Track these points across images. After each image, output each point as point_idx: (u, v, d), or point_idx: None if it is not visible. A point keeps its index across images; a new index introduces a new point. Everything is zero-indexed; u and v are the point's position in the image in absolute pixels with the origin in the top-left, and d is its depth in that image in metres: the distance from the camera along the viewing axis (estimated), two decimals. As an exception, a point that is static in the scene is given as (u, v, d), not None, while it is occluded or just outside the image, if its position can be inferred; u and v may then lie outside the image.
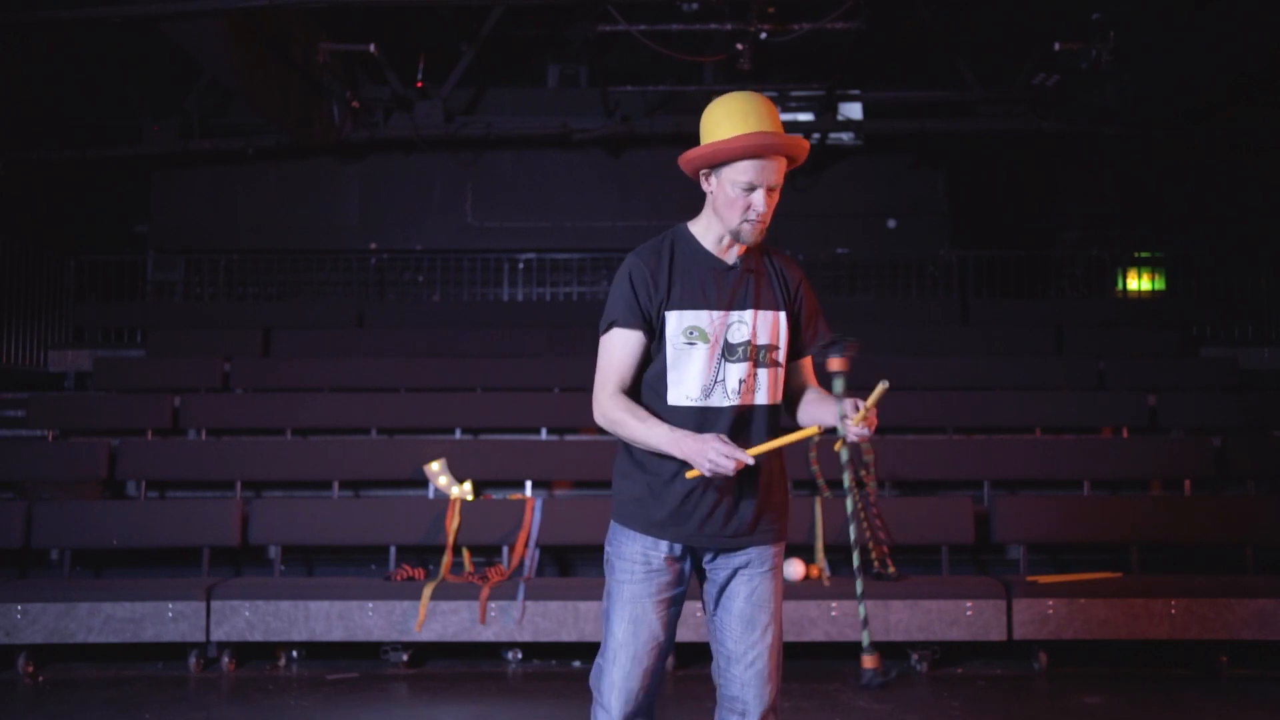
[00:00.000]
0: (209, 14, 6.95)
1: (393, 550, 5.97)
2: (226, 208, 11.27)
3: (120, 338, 9.74)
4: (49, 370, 9.09)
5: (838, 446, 2.84)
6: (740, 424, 2.62)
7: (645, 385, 2.67)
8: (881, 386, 2.48)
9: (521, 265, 10.87)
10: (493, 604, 5.37)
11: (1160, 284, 11.04)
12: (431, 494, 6.33)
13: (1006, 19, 9.11)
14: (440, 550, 5.80)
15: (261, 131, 10.14)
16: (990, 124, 9.80)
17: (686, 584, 2.70)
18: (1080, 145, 10.61)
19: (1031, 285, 10.40)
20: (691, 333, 2.60)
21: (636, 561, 2.64)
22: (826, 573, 5.63)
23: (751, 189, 2.56)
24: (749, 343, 2.63)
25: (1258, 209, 10.31)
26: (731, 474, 2.47)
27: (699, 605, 5.21)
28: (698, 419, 2.59)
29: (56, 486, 6.65)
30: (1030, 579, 5.55)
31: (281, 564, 6.03)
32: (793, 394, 2.78)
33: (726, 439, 2.48)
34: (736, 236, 2.62)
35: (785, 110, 10.59)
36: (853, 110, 10.57)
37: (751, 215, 2.58)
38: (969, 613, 5.35)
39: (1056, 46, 8.64)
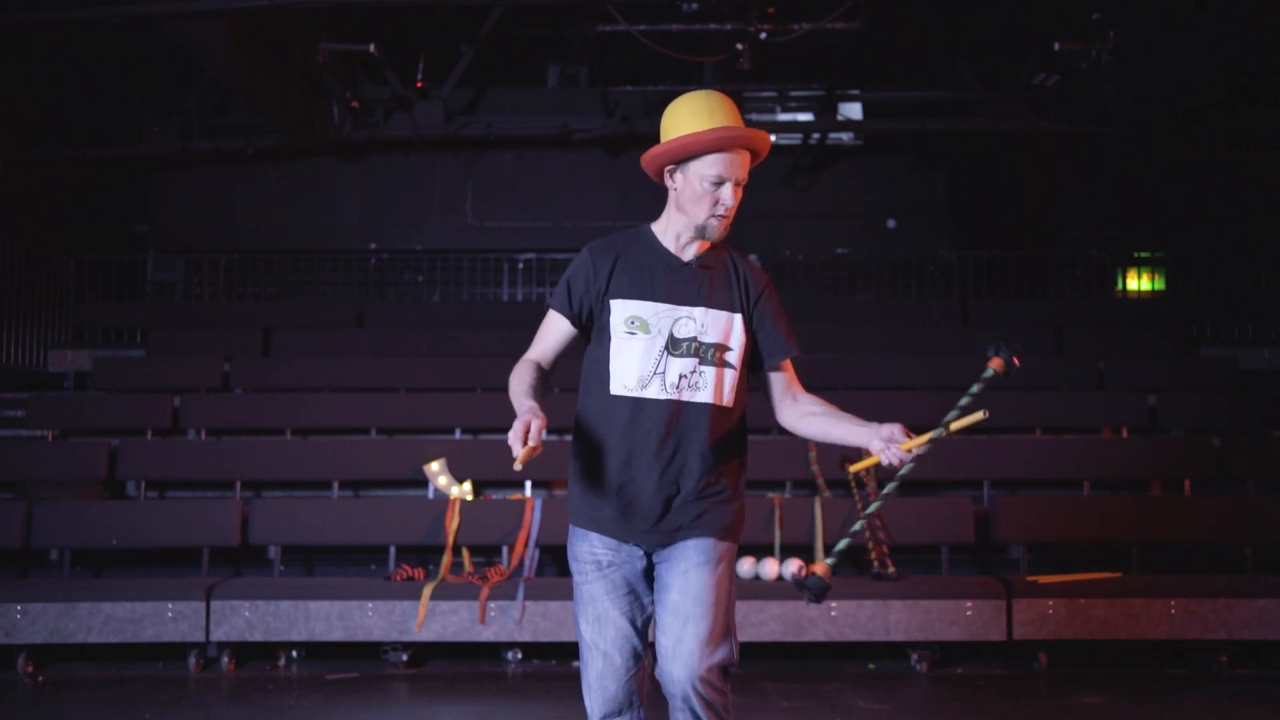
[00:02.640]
0: (209, 14, 6.95)
1: (393, 550, 5.97)
2: (226, 208, 11.27)
3: (120, 338, 9.73)
4: (49, 370, 9.08)
5: (854, 467, 2.84)
6: (676, 419, 2.59)
7: (591, 371, 2.68)
8: (979, 417, 2.65)
9: (521, 265, 10.87)
10: (492, 604, 5.37)
11: (1160, 284, 11.03)
12: (431, 494, 6.33)
13: (1006, 19, 9.11)
14: (440, 550, 5.80)
15: (261, 131, 10.14)
16: (990, 124, 9.80)
17: (648, 573, 2.67)
18: (1080, 145, 10.60)
19: (1031, 285, 10.40)
20: (633, 322, 2.61)
21: (588, 561, 2.64)
22: (829, 563, 5.61)
23: (720, 183, 2.58)
24: (695, 339, 2.62)
25: (1258, 209, 10.30)
26: (516, 453, 2.40)
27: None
28: (632, 409, 2.59)
29: (56, 486, 6.65)
30: (1030, 579, 5.55)
31: (281, 564, 6.03)
32: (781, 406, 2.78)
33: (538, 413, 2.43)
34: (702, 232, 2.64)
35: (785, 110, 10.59)
36: (853, 110, 10.57)
37: (720, 210, 2.60)
38: (969, 613, 5.34)
39: (1056, 46, 8.64)
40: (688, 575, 2.57)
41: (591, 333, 2.70)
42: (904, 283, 10.82)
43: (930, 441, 2.54)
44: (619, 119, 10.22)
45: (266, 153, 10.49)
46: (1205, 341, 9.18)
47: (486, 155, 11.19)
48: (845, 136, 10.85)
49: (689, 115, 2.60)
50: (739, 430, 2.71)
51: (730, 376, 2.65)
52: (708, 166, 2.57)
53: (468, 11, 9.83)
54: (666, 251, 2.68)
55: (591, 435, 2.65)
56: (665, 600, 2.59)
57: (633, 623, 2.63)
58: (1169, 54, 8.29)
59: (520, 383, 2.59)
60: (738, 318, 2.67)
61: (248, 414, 7.38)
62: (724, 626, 2.58)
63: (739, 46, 8.58)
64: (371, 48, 8.89)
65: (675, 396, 2.59)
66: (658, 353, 2.60)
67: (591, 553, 2.64)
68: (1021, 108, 9.71)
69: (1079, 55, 8.63)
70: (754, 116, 10.52)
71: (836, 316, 9.14)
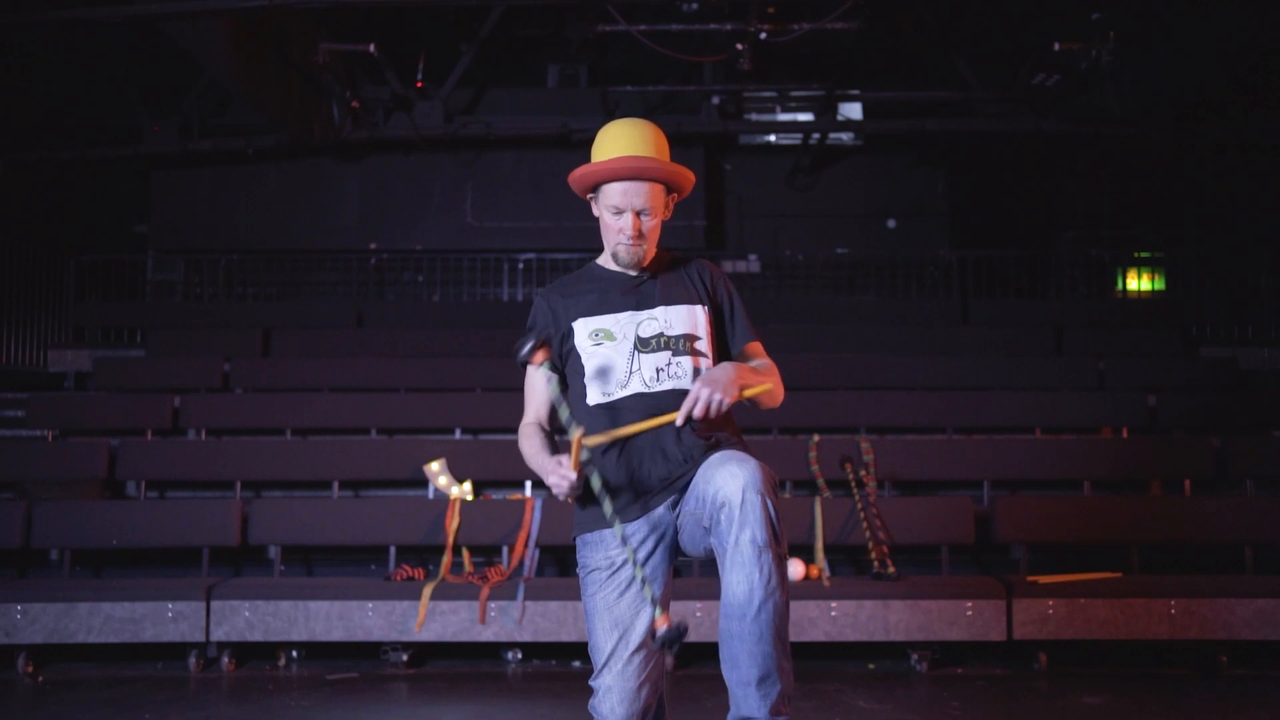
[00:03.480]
0: (209, 14, 6.95)
1: (393, 550, 5.97)
2: (226, 208, 11.27)
3: (120, 338, 9.73)
4: (49, 370, 9.08)
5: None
6: (661, 411, 2.59)
7: (573, 399, 2.72)
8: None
9: (521, 265, 10.88)
10: (493, 604, 5.36)
11: (1160, 284, 11.04)
12: (431, 494, 6.33)
13: (1006, 19, 9.11)
14: (440, 550, 5.80)
15: (261, 131, 10.14)
16: (990, 124, 9.81)
17: (661, 556, 2.66)
18: (1080, 145, 10.61)
19: (1031, 285, 10.41)
20: (598, 334, 2.67)
21: (601, 569, 2.65)
22: (826, 573, 5.63)
23: (618, 212, 2.63)
24: (661, 334, 2.66)
25: (1258, 209, 10.31)
26: (567, 491, 2.48)
27: (698, 605, 5.25)
28: (610, 416, 2.63)
29: (56, 486, 6.65)
30: (1030, 579, 5.55)
31: (281, 564, 6.03)
32: None
33: (563, 461, 2.50)
34: (615, 259, 2.70)
35: (785, 110, 10.59)
36: (853, 110, 10.57)
37: (622, 239, 2.64)
38: (969, 613, 5.34)
39: (1056, 46, 8.65)
40: (710, 470, 2.46)
41: (566, 371, 2.74)
42: (904, 283, 10.82)
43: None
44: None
45: (266, 153, 10.50)
46: (1205, 341, 9.18)
47: (486, 155, 11.20)
48: (845, 136, 10.86)
49: (601, 144, 2.67)
50: (726, 413, 2.66)
51: (706, 365, 2.68)
52: (607, 196, 2.64)
53: (468, 11, 9.84)
54: (614, 273, 2.75)
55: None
56: (694, 490, 2.51)
57: (644, 621, 2.63)
58: (1169, 54, 8.29)
59: (530, 445, 2.70)
60: (698, 308, 2.72)
61: (248, 414, 7.38)
62: (766, 477, 2.40)
63: (739, 46, 8.58)
64: (371, 48, 8.90)
65: (656, 389, 2.62)
66: (628, 353, 2.65)
67: (606, 557, 2.64)
68: (1021, 108, 9.72)
69: (1079, 55, 8.63)
70: (754, 117, 10.52)
71: (836, 316, 9.13)
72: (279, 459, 6.63)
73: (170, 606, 5.33)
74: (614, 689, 2.60)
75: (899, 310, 9.57)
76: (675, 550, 2.70)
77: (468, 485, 6.24)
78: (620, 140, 2.63)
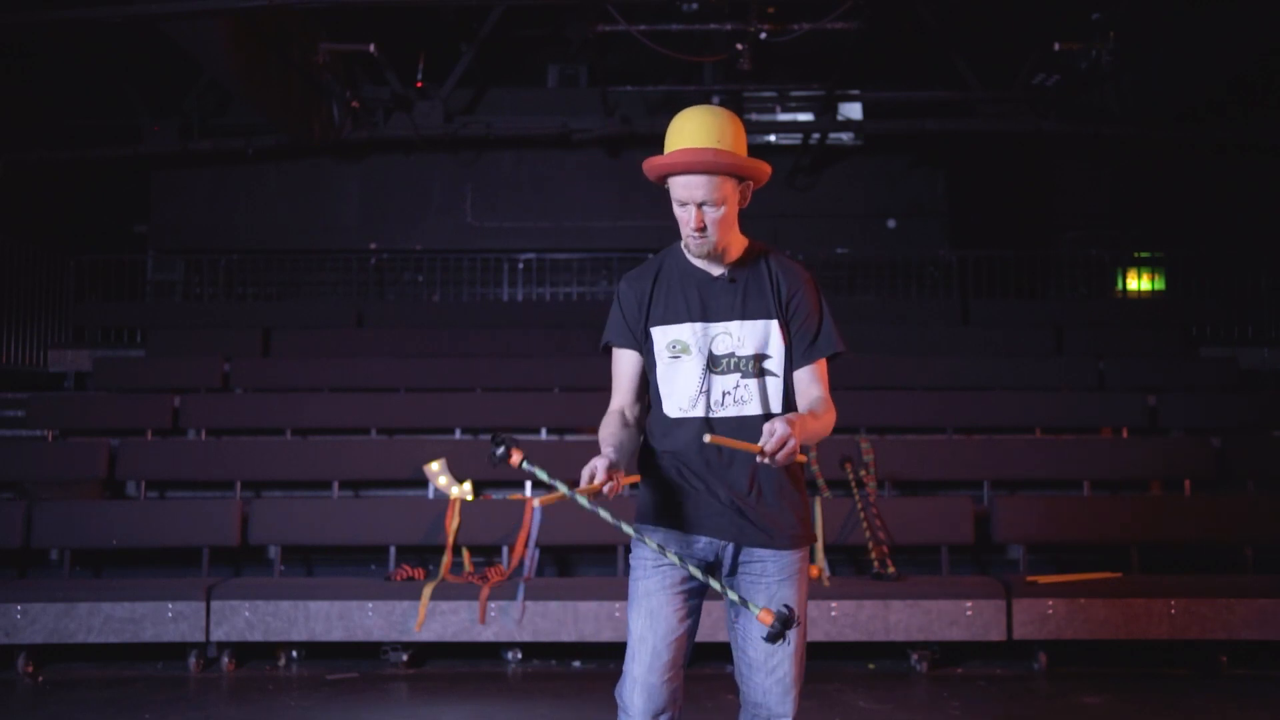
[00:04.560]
0: (209, 14, 6.95)
1: (393, 550, 5.97)
2: (226, 208, 11.27)
3: (120, 338, 9.73)
4: (49, 370, 9.08)
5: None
6: (728, 436, 2.55)
7: (653, 391, 2.74)
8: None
9: (521, 265, 10.88)
10: (493, 604, 5.36)
11: (1160, 284, 11.04)
12: (431, 494, 6.33)
13: (1006, 19, 9.11)
14: (440, 550, 5.80)
15: (261, 131, 10.14)
16: (990, 124, 9.81)
17: (697, 582, 2.66)
18: (1080, 145, 10.61)
19: (1031, 285, 10.40)
20: (675, 346, 2.65)
21: (647, 558, 2.66)
22: (826, 573, 5.63)
23: (683, 205, 2.59)
24: (733, 354, 2.64)
25: (1257, 209, 10.31)
26: (582, 484, 2.46)
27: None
28: (685, 429, 2.64)
29: (56, 486, 6.65)
30: (1030, 579, 5.55)
31: (281, 564, 6.03)
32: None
33: (606, 457, 2.51)
34: (686, 250, 2.67)
35: (785, 110, 10.58)
36: (853, 110, 10.57)
37: (687, 230, 2.61)
38: (969, 613, 5.34)
39: (1056, 46, 8.63)
40: (771, 589, 2.62)
41: (647, 365, 2.74)
42: (904, 283, 10.82)
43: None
44: (619, 119, 10.22)
45: (266, 153, 10.50)
46: (1205, 341, 9.18)
47: (486, 155, 11.20)
48: (845, 136, 10.85)
49: (670, 135, 2.63)
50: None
51: (775, 385, 2.65)
52: (672, 189, 2.60)
53: (468, 11, 9.83)
54: (696, 269, 2.70)
55: (654, 450, 2.71)
56: (749, 631, 2.64)
57: (685, 621, 2.64)
58: (1169, 54, 8.29)
59: (602, 433, 2.69)
60: (773, 324, 2.66)
61: (248, 414, 7.38)
62: (804, 639, 2.70)
63: (739, 46, 8.57)
64: (371, 48, 8.89)
65: (721, 414, 2.62)
66: (700, 372, 2.64)
67: (651, 551, 2.64)
68: (1021, 108, 9.71)
69: (1079, 55, 8.62)
70: (754, 117, 10.52)
71: (836, 316, 9.09)
72: (279, 459, 6.63)
73: (170, 606, 5.33)
74: (638, 679, 2.61)
75: (899, 310, 9.57)
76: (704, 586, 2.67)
77: (468, 485, 6.24)
78: (684, 132, 2.58)
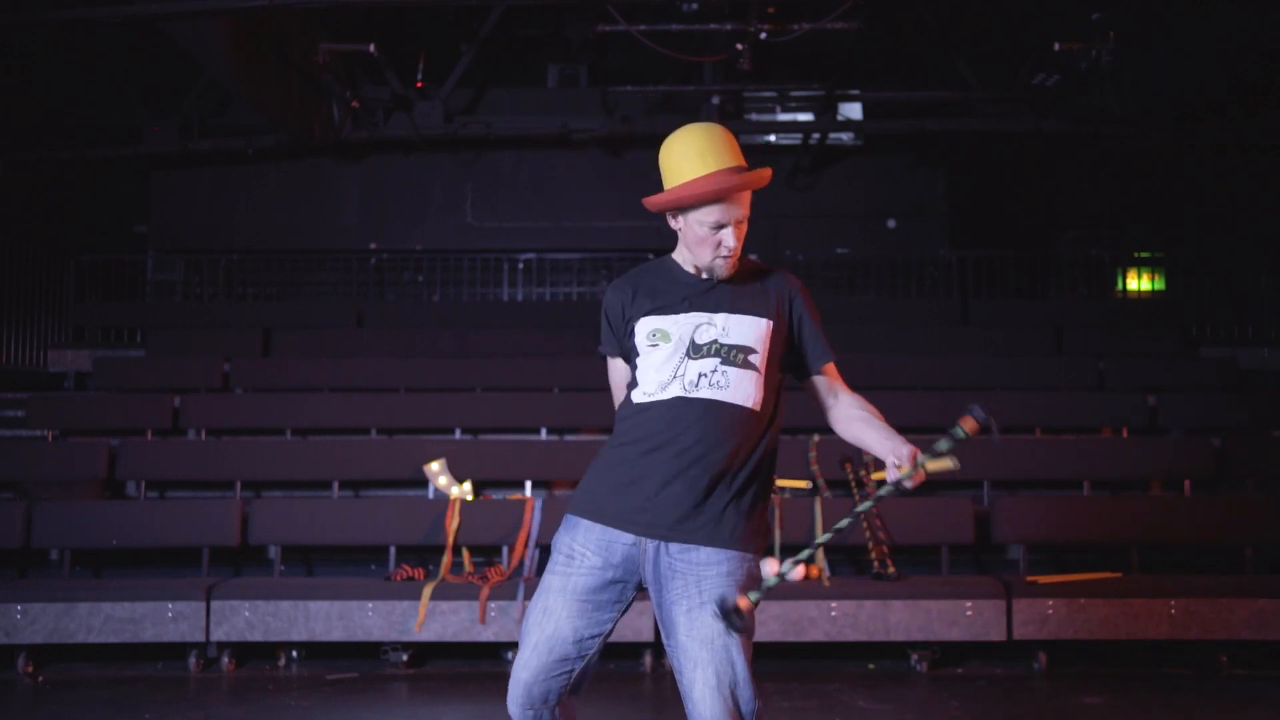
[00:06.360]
0: (209, 14, 6.95)
1: (393, 550, 5.97)
2: (226, 208, 11.27)
3: (120, 338, 9.73)
4: (49, 370, 9.08)
5: (874, 476, 2.83)
6: (696, 416, 2.53)
7: (627, 388, 2.72)
8: (949, 465, 2.48)
9: (521, 265, 10.88)
10: (492, 604, 5.37)
11: (1160, 284, 11.04)
12: (431, 494, 6.33)
13: (1006, 19, 9.10)
14: (440, 550, 5.80)
15: (261, 131, 10.13)
16: (990, 124, 9.80)
17: (616, 591, 2.59)
18: (1080, 145, 10.60)
19: (1031, 285, 10.40)
20: (654, 334, 2.62)
21: (561, 551, 2.65)
22: (826, 573, 5.63)
23: (720, 227, 2.54)
24: (715, 341, 2.58)
25: (1257, 209, 10.31)
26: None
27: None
28: (652, 411, 2.57)
29: (56, 486, 6.65)
30: (1030, 579, 5.55)
31: (281, 564, 6.03)
32: (826, 408, 2.82)
33: None
34: (711, 272, 2.63)
35: (785, 110, 10.59)
36: (853, 110, 10.57)
37: (724, 252, 2.57)
38: (969, 613, 5.34)
39: (1056, 46, 8.63)
40: (692, 614, 2.48)
41: (632, 365, 2.72)
42: (904, 283, 10.82)
43: (928, 467, 2.49)
44: (619, 119, 10.22)
45: (266, 153, 10.49)
46: (1205, 341, 9.18)
47: (486, 155, 11.20)
48: (845, 136, 10.85)
49: (683, 159, 2.53)
50: (768, 441, 2.64)
51: (754, 378, 2.58)
52: (706, 215, 2.52)
53: (468, 11, 9.83)
54: (690, 275, 2.68)
55: (616, 439, 2.65)
56: (675, 637, 2.51)
57: (578, 630, 2.56)
58: (1169, 54, 8.29)
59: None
60: (764, 321, 2.61)
61: (248, 414, 7.38)
62: (737, 673, 2.48)
63: (739, 46, 8.57)
64: (371, 48, 8.88)
65: (694, 394, 2.54)
66: (678, 359, 2.58)
67: (570, 545, 2.63)
68: (1021, 108, 9.70)
69: (1079, 55, 8.62)
70: (754, 117, 10.52)
71: (836, 316, 9.11)
72: (279, 459, 6.63)
73: (170, 606, 5.33)
74: (515, 671, 2.58)
75: (899, 310, 9.57)
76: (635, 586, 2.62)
77: (468, 485, 6.24)
78: (710, 154, 2.51)
